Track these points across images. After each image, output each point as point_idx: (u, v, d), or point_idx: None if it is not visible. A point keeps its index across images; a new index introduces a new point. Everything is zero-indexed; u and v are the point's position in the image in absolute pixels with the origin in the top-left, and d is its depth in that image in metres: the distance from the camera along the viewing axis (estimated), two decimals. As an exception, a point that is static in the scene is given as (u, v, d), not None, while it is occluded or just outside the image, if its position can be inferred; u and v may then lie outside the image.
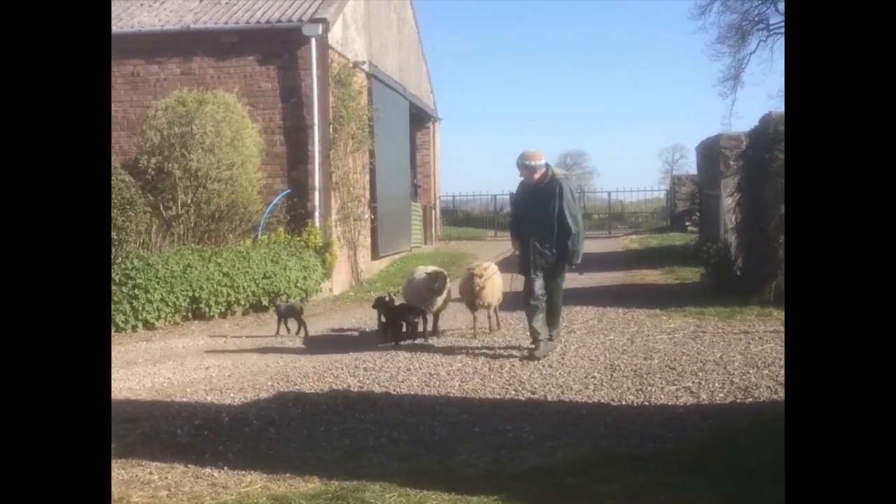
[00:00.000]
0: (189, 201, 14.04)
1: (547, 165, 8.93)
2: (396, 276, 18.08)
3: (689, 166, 58.94)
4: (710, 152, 18.11)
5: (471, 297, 10.05)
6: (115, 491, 5.38)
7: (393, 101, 20.19)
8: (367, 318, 12.07)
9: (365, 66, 17.79)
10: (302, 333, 10.91)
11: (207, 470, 5.79)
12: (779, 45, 32.32)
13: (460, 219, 37.65)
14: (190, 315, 12.17)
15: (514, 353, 9.18)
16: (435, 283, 9.89)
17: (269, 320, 12.44)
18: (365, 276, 17.54)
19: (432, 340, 10.06)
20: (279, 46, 15.56)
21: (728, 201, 15.97)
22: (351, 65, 16.76)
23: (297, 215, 15.35)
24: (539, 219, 8.82)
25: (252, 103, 15.35)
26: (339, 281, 16.02)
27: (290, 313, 11.04)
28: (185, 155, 13.87)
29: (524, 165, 8.86)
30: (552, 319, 9.17)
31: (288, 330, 11.01)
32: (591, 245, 17.82)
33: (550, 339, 9.06)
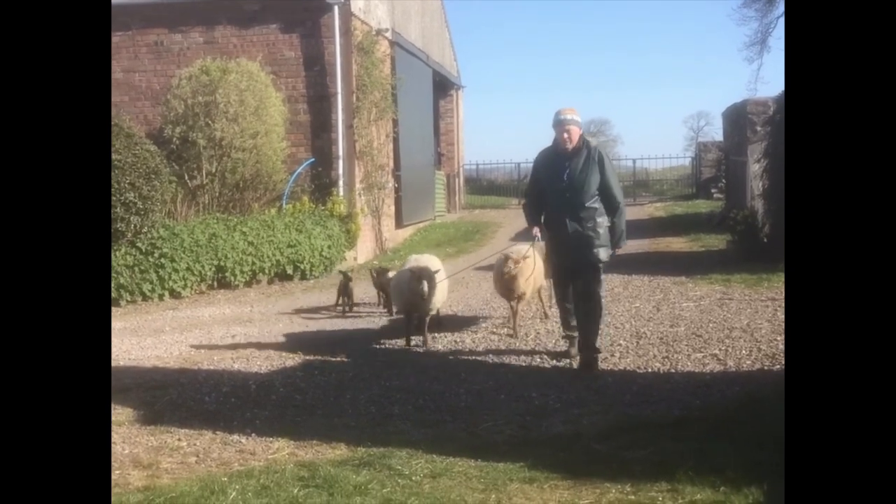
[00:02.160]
0: (214, 171, 14.06)
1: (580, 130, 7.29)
2: (420, 244, 18.10)
3: (715, 133, 58.46)
4: (737, 118, 17.88)
5: (502, 285, 8.59)
6: (145, 457, 5.44)
7: (416, 68, 20.08)
8: (392, 287, 12.09)
9: (388, 34, 17.68)
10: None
11: (235, 436, 5.85)
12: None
13: (484, 187, 37.49)
14: (215, 284, 12.23)
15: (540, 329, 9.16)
16: (420, 285, 7.96)
17: (294, 289, 12.52)
18: (389, 244, 17.55)
19: (423, 341, 8.38)
20: (302, 14, 15.47)
21: (755, 167, 15.80)
22: (374, 32, 16.65)
23: (321, 184, 15.34)
24: (574, 193, 7.07)
25: (275, 72, 15.30)
26: (364, 249, 16.04)
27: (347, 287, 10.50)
28: (209, 124, 13.87)
29: (563, 121, 7.13)
30: (592, 319, 7.32)
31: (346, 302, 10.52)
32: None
33: (598, 350, 7.32)
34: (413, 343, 8.35)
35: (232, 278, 12.25)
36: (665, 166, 36.37)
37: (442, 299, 8.77)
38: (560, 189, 7.13)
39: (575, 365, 7.37)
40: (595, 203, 7.08)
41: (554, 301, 8.21)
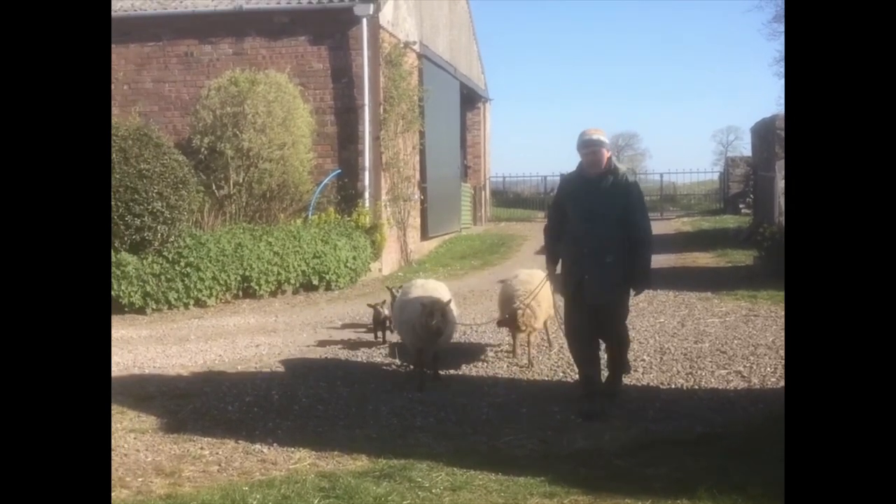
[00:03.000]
0: (241, 181, 14.17)
1: (609, 155, 6.53)
2: (446, 256, 18.13)
3: (744, 148, 58.02)
4: (766, 133, 17.78)
5: (510, 319, 7.69)
6: (168, 465, 5.48)
7: (443, 81, 20.15)
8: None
9: (416, 46, 17.77)
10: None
11: (257, 446, 5.87)
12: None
13: (510, 200, 37.54)
14: (240, 294, 12.30)
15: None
16: (432, 320, 7.03)
17: (319, 299, 12.56)
18: (414, 256, 17.59)
19: (434, 375, 7.48)
20: (330, 26, 15.57)
21: (783, 183, 15.70)
22: (402, 45, 16.74)
23: (347, 195, 15.41)
24: (599, 223, 6.32)
25: (303, 83, 15.41)
26: (389, 261, 16.08)
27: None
28: (237, 135, 13.99)
29: (588, 143, 6.37)
30: (616, 363, 6.79)
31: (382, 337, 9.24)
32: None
33: (612, 395, 6.67)
34: (427, 386, 7.25)
35: (257, 288, 12.31)
36: (693, 181, 36.21)
37: (453, 331, 7.81)
38: (582, 218, 6.39)
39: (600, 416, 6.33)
40: (618, 236, 6.32)
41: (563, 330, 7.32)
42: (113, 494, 4.80)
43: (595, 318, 6.49)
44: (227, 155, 13.98)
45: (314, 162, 15.14)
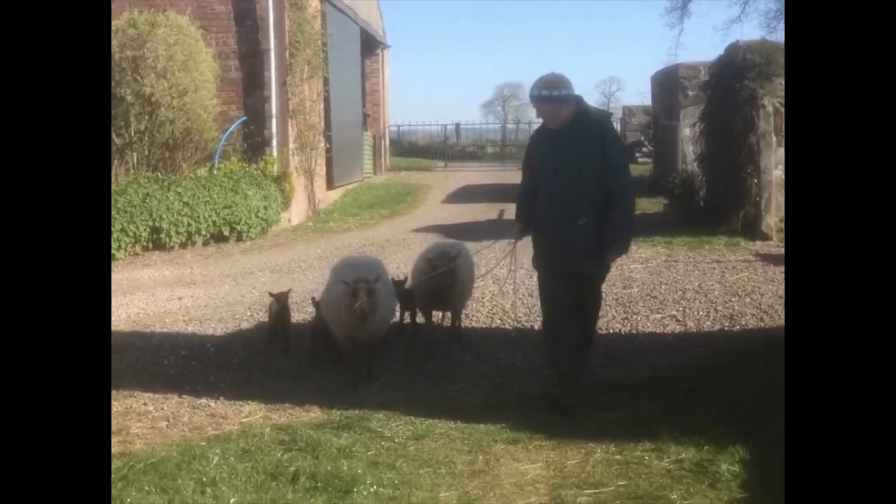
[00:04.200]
0: (142, 128, 13.54)
1: (578, 98, 5.52)
2: (353, 206, 17.92)
3: (627, 98, 58.96)
4: (668, 82, 18.09)
5: (427, 297, 6.67)
6: (113, 423, 5.25)
7: (345, 26, 19.69)
8: (333, 250, 11.94)
9: (319, -11, 17.30)
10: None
11: (203, 400, 5.71)
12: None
13: (405, 149, 37.35)
14: (150, 245, 11.85)
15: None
16: (356, 301, 5.62)
17: (232, 250, 12.24)
18: (321, 206, 17.30)
19: (369, 373, 6.18)
20: (233, -34, 14.99)
21: (686, 131, 16.05)
22: (306, -13, 16.26)
23: (253, 144, 14.95)
24: (571, 182, 5.42)
25: (205, 26, 14.78)
26: (297, 211, 15.75)
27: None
28: (137, 80, 13.34)
29: (542, 98, 5.44)
30: (585, 340, 5.81)
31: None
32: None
33: (588, 373, 5.92)
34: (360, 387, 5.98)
35: (167, 240, 11.88)
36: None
37: (390, 317, 6.44)
38: (551, 175, 5.53)
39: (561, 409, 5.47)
40: (595, 194, 5.39)
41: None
42: (63, 455, 4.56)
43: (571, 294, 5.53)
44: (127, 101, 13.31)
45: (219, 109, 14.58)
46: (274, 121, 15.03)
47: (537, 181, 5.67)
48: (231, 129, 14.79)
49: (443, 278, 6.39)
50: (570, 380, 5.55)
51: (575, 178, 5.40)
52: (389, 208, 17.74)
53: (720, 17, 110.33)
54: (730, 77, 11.75)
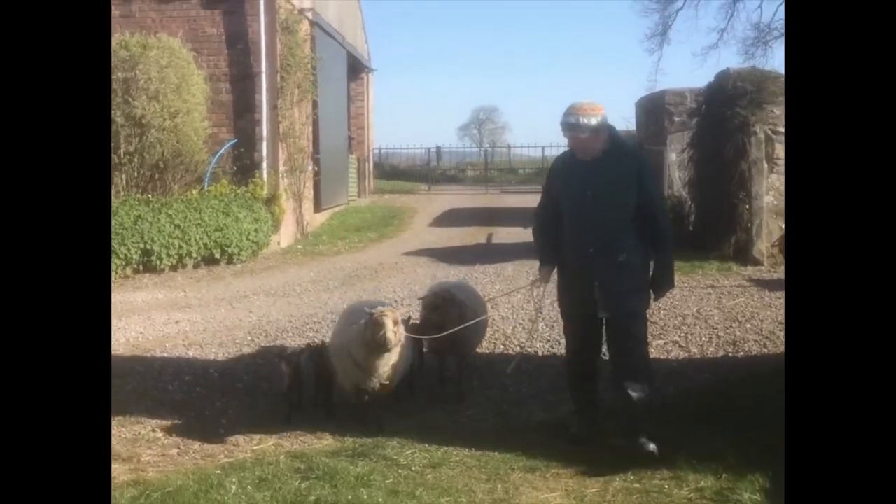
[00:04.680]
0: (132, 150, 13.46)
1: (611, 128, 5.15)
2: (340, 229, 17.87)
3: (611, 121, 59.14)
4: (654, 108, 18.18)
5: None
6: (123, 450, 5.20)
7: (333, 50, 19.73)
8: (325, 273, 11.90)
9: (309, 14, 17.32)
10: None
11: (212, 427, 5.64)
12: (703, 3, 32.60)
13: (387, 172, 37.38)
14: (141, 268, 11.75)
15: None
16: (380, 331, 5.24)
17: (223, 273, 12.16)
18: (309, 228, 17.25)
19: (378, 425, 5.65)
20: (224, -10, 14.98)
21: (673, 156, 16.14)
22: (297, 11, 16.29)
23: (243, 166, 14.89)
24: (607, 216, 5.03)
25: (196, 49, 14.75)
26: (287, 234, 15.69)
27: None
28: (128, 101, 13.29)
29: (574, 126, 5.00)
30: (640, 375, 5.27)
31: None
32: (527, 200, 17.19)
33: (648, 444, 5.05)
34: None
35: (158, 262, 11.79)
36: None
37: (404, 367, 5.80)
38: (581, 208, 5.09)
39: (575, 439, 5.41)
40: (631, 228, 5.05)
41: None
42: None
43: (601, 336, 5.28)
44: (118, 123, 13.26)
45: (209, 131, 14.55)
46: (264, 144, 14.97)
47: (558, 213, 5.26)
48: (221, 151, 14.73)
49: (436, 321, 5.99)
50: (586, 416, 5.49)
51: (611, 212, 5.02)
52: (377, 231, 17.71)
53: (699, 44, 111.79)
54: (720, 104, 11.87)
